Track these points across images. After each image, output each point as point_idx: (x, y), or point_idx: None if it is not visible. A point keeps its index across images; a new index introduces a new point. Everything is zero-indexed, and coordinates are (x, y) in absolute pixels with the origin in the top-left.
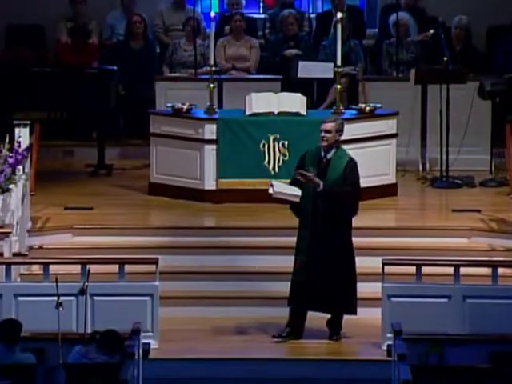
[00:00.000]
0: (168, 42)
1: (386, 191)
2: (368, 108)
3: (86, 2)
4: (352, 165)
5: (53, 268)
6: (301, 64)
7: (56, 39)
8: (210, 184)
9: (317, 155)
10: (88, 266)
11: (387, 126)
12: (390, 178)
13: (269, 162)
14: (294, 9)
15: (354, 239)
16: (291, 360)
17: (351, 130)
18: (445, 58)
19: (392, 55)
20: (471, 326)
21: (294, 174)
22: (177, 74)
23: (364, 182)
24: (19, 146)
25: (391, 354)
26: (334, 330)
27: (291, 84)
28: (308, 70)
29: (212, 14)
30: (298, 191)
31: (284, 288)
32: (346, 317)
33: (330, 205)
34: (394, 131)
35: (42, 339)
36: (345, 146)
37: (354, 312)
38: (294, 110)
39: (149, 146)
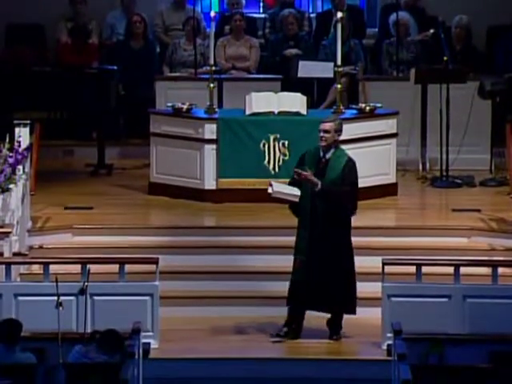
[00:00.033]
0: (168, 42)
1: (386, 191)
2: (368, 108)
3: (86, 1)
4: (351, 165)
5: (53, 268)
6: (301, 64)
7: (56, 39)
8: (210, 184)
9: (316, 155)
10: (88, 266)
11: (387, 125)
12: (390, 178)
13: (269, 161)
14: (294, 8)
15: (354, 239)
16: (291, 360)
17: (351, 130)
18: (445, 58)
19: (392, 55)
20: (471, 325)
21: (293, 174)
22: (177, 74)
23: (364, 182)
24: (19, 146)
25: (391, 353)
26: (334, 329)
27: (291, 84)
28: (308, 69)
29: (212, 14)
30: (297, 191)
31: (284, 288)
32: (345, 316)
33: (329, 204)
34: (394, 131)
35: (42, 339)
36: (345, 146)
37: (354, 311)
38: (294, 110)
39: (149, 145)
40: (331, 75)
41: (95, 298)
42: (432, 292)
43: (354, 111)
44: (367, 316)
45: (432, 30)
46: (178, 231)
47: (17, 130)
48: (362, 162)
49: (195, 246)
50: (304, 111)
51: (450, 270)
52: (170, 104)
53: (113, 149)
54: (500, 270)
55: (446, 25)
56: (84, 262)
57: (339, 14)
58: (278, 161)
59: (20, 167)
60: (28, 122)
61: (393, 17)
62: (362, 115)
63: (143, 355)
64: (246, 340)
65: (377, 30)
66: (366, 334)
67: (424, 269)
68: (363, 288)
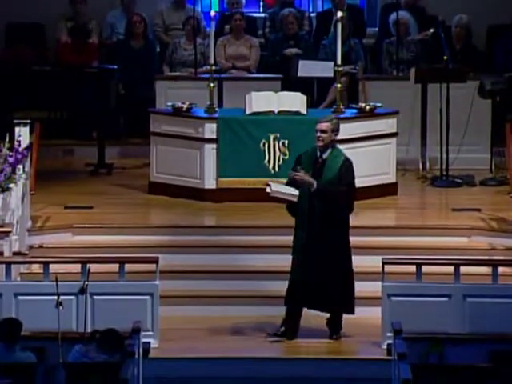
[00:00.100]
0: (168, 41)
1: (386, 190)
2: (368, 107)
3: (86, 1)
4: (347, 164)
5: (53, 267)
6: (301, 63)
7: (56, 38)
8: (210, 183)
9: (312, 155)
10: (88, 265)
11: (387, 125)
12: (390, 177)
13: (269, 161)
14: (294, 8)
15: (354, 238)
16: (291, 359)
17: (351, 129)
18: (445, 57)
19: (392, 54)
20: (471, 325)
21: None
22: (177, 73)
23: (364, 181)
24: (19, 145)
25: (391, 353)
26: (334, 329)
27: (291, 83)
28: (308, 69)
29: (212, 13)
30: (295, 191)
31: (284, 287)
32: (345, 316)
33: (326, 204)
34: (394, 130)
35: (42, 338)
36: (345, 145)
37: (352, 311)
38: (294, 109)
39: (149, 145)
40: (331, 75)
41: (95, 297)
42: (432, 291)
43: (354, 111)
44: (367, 315)
45: (432, 30)
46: (178, 230)
47: (17, 129)
48: (362, 161)
49: (195, 246)
50: (304, 111)
51: (450, 269)
52: (170, 103)
53: (113, 148)
54: (500, 269)
55: (446, 24)
56: (84, 262)
57: (339, 14)
58: (278, 160)
59: (20, 166)
60: (28, 121)
61: (393, 16)
62: (362, 115)
63: (143, 355)
64: (246, 339)
65: (377, 29)
66: (366, 333)
67: (424, 268)
68: (363, 287)
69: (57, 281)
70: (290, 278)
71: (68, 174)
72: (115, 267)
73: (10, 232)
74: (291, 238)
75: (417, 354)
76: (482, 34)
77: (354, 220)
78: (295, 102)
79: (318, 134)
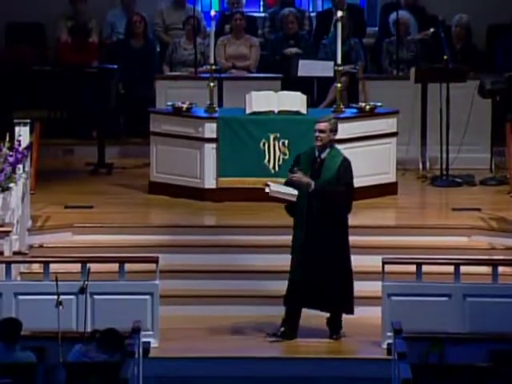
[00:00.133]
0: (168, 41)
1: (386, 190)
2: (368, 107)
3: (86, 0)
4: (346, 164)
5: (53, 267)
6: (301, 63)
7: (56, 38)
8: (210, 183)
9: (311, 155)
10: (88, 265)
11: (387, 124)
12: (390, 177)
13: (269, 160)
14: (295, 7)
15: (354, 238)
16: (291, 359)
17: (351, 129)
18: (445, 57)
19: (392, 54)
20: (471, 324)
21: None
22: (177, 73)
23: (364, 181)
24: (19, 145)
25: (391, 352)
26: (334, 328)
27: (291, 83)
28: (308, 68)
29: (212, 13)
30: (294, 191)
31: (284, 287)
32: (345, 316)
33: (324, 204)
34: (394, 130)
35: (42, 338)
36: (345, 145)
37: (351, 311)
38: (294, 109)
39: (149, 144)
40: (331, 74)
41: (95, 296)
42: (432, 291)
43: (354, 110)
44: (367, 315)
45: (432, 29)
46: (178, 230)
47: (17, 128)
48: (362, 161)
49: (195, 245)
50: (304, 110)
51: (450, 268)
52: (170, 103)
53: (113, 148)
54: (500, 268)
55: (446, 24)
56: (84, 261)
57: (339, 13)
58: (278, 160)
59: (20, 166)
60: (28, 120)
61: (393, 16)
62: (362, 114)
63: (143, 354)
64: (246, 339)
65: (377, 28)
66: (366, 333)
67: (424, 268)
68: (363, 287)
69: (57, 280)
70: (289, 277)
71: (68, 174)
72: (115, 267)
73: (10, 231)
74: (291, 237)
75: (417, 354)
76: (482, 34)
77: (354, 220)
78: (295, 101)
79: (317, 134)
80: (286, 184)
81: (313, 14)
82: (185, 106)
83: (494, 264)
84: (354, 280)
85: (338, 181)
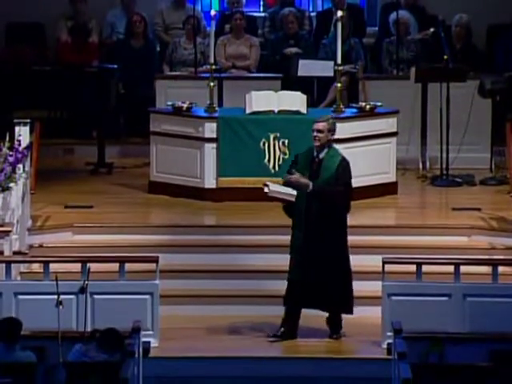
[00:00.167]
0: (168, 41)
1: (386, 189)
2: (368, 106)
3: (86, 0)
4: (344, 164)
5: (53, 266)
6: (301, 62)
7: (56, 38)
8: (210, 182)
9: (309, 155)
10: (88, 265)
11: (387, 124)
12: (390, 177)
13: (269, 160)
14: (295, 7)
15: (354, 238)
16: (291, 358)
17: (351, 129)
18: (445, 57)
19: (392, 53)
20: (471, 324)
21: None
22: (177, 73)
23: (364, 181)
24: (19, 145)
25: (391, 352)
26: (334, 328)
27: (291, 82)
28: (308, 68)
29: (212, 13)
30: (293, 190)
31: (284, 286)
32: (345, 316)
33: (322, 204)
34: (395, 129)
35: (42, 338)
36: (345, 145)
37: (351, 311)
38: (294, 109)
39: (149, 144)
40: (331, 74)
41: (95, 296)
42: (432, 291)
43: (354, 110)
44: (367, 315)
45: (432, 29)
46: (178, 230)
47: (17, 128)
48: (362, 160)
49: (195, 245)
50: (304, 110)
51: (450, 268)
52: (170, 103)
53: (113, 147)
54: (500, 268)
55: (446, 23)
56: (84, 261)
57: (339, 13)
58: (278, 160)
59: (20, 166)
60: (28, 120)
61: (393, 15)
62: (362, 114)
63: (143, 354)
64: (246, 339)
65: (377, 28)
66: (366, 332)
67: (424, 267)
68: (363, 287)
69: (57, 280)
70: (288, 277)
71: (68, 174)
72: (115, 266)
73: (10, 231)
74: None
75: (417, 354)
76: (482, 34)
77: (354, 219)
78: (295, 101)
79: (315, 134)
80: (284, 185)
81: (313, 14)
82: (185, 105)
83: (494, 264)
84: (353, 280)
85: (336, 181)
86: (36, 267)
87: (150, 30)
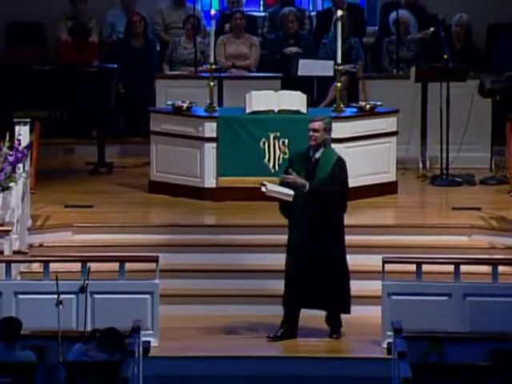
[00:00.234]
0: (168, 40)
1: (386, 189)
2: (368, 106)
3: (86, 0)
4: (340, 164)
5: (53, 266)
6: (301, 62)
7: (56, 37)
8: (210, 182)
9: (305, 155)
10: (88, 264)
11: (387, 123)
12: (390, 176)
13: (269, 160)
14: (295, 7)
15: (354, 237)
16: (291, 358)
17: (351, 128)
18: (445, 56)
19: (392, 53)
20: (471, 323)
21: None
22: (177, 72)
23: (364, 180)
24: (19, 144)
25: (391, 352)
26: (334, 328)
27: (291, 82)
28: (308, 67)
29: (212, 12)
30: (290, 190)
31: None
32: (344, 315)
33: (319, 204)
34: (395, 129)
35: (42, 337)
36: (345, 144)
37: (348, 311)
38: (294, 108)
39: (149, 144)
40: (331, 73)
41: (95, 296)
42: (432, 290)
43: (354, 109)
44: (367, 314)
45: (432, 29)
46: (178, 229)
47: (17, 128)
48: (362, 160)
49: (195, 245)
50: (304, 109)
51: (450, 268)
52: (170, 102)
53: (113, 147)
54: (500, 268)
55: (446, 23)
56: (84, 260)
57: (339, 13)
58: (278, 159)
59: (20, 165)
60: (28, 120)
61: (393, 15)
62: (362, 113)
63: (143, 353)
64: (247, 338)
65: (377, 28)
66: (366, 332)
67: (424, 267)
68: (363, 286)
69: (57, 280)
70: (285, 277)
71: (68, 173)
72: (115, 266)
73: (10, 231)
74: None
75: (417, 353)
76: (482, 33)
77: (353, 219)
78: (295, 100)
79: (311, 133)
80: (281, 185)
81: (313, 14)
82: (185, 105)
83: (494, 263)
84: (353, 279)
85: (332, 180)
86: (36, 267)
87: (150, 30)
